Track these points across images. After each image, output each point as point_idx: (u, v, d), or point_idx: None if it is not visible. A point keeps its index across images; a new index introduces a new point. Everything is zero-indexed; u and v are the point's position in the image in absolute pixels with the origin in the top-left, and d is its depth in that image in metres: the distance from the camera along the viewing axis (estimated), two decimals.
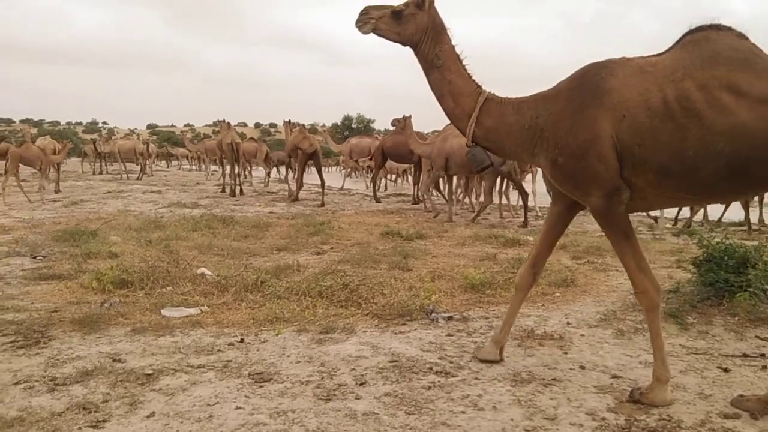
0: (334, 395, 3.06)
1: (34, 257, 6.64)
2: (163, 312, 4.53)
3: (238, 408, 2.90)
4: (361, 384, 3.20)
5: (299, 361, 3.55)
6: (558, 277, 5.71)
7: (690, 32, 2.87)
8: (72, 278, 5.58)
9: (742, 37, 2.81)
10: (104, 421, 2.75)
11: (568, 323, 4.36)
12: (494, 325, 4.32)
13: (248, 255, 7.11)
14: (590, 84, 2.93)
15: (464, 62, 3.38)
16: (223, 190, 16.67)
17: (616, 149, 2.84)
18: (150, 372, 3.34)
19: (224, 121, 15.71)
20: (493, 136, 3.29)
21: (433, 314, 4.51)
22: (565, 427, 2.72)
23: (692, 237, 5.22)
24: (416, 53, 3.39)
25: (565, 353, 3.72)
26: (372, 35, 3.35)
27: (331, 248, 7.82)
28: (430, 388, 3.15)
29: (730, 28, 2.83)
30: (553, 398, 3.04)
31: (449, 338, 4.01)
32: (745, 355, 3.65)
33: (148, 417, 2.80)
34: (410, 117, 12.78)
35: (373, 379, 3.28)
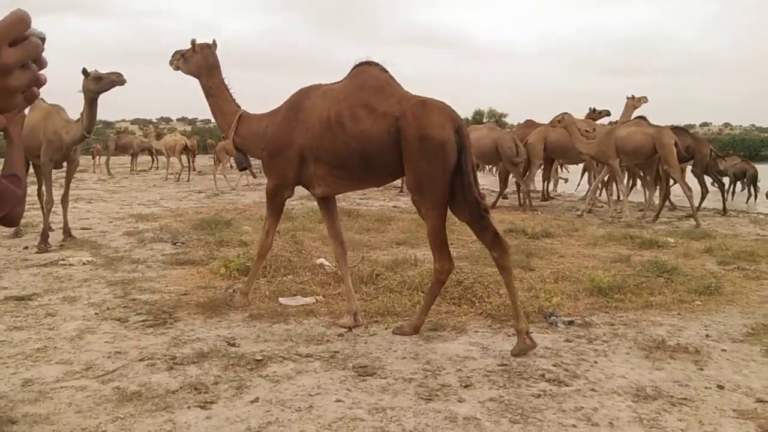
0: (436, 395, 2.93)
1: (174, 243, 7.17)
2: (281, 300, 4.67)
3: (338, 401, 2.88)
4: (465, 386, 3.05)
5: (405, 357, 3.47)
6: (699, 284, 5.13)
7: (355, 66, 3.95)
8: (204, 264, 5.94)
9: (384, 70, 3.92)
10: (212, 402, 2.85)
11: (707, 335, 3.89)
12: (620, 332, 3.96)
13: (368, 247, 7.17)
14: (295, 104, 4.06)
15: (230, 90, 4.54)
16: None
17: (301, 154, 3.94)
18: (260, 358, 3.43)
19: None
20: (245, 142, 4.41)
21: (552, 317, 4.23)
22: None
23: None
24: (200, 84, 4.55)
25: (701, 369, 3.30)
26: (179, 71, 4.60)
27: (451, 244, 7.63)
28: (539, 396, 2.93)
29: (377, 64, 3.94)
30: (681, 419, 2.69)
31: (567, 344, 3.73)
32: None
33: (252, 402, 2.86)
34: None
35: (479, 381, 3.11)
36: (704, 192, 11.30)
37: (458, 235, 8.33)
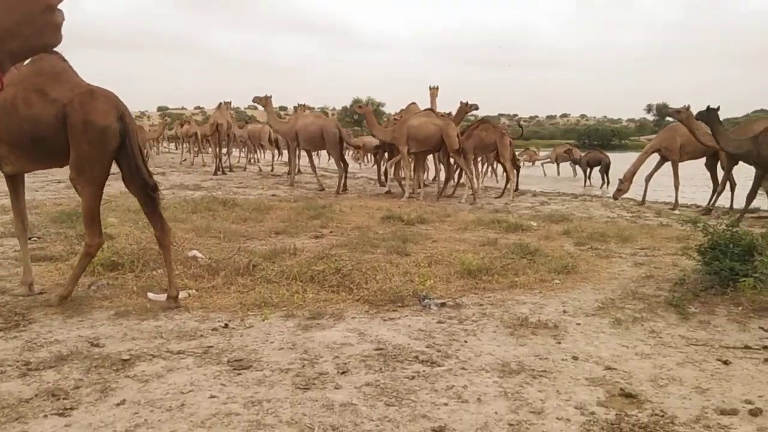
0: (314, 384, 2.94)
1: (29, 238, 6.55)
2: (150, 295, 4.44)
3: (212, 396, 2.79)
4: (342, 373, 3.09)
5: (282, 348, 3.44)
6: (559, 264, 5.56)
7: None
8: (63, 260, 5.50)
9: (63, 60, 4.15)
10: (72, 408, 2.65)
11: (564, 311, 4.22)
12: (488, 312, 4.19)
13: (246, 238, 7.01)
14: None
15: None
16: (215, 173, 16.66)
17: None
18: (127, 357, 3.24)
19: (223, 102, 15.61)
20: None
21: (426, 300, 4.38)
22: (551, 421, 2.59)
23: (697, 224, 5.03)
24: None
25: (559, 343, 3.58)
26: None
27: (331, 232, 7.70)
28: (413, 378, 3.03)
29: (57, 53, 4.09)
30: (541, 390, 2.90)
31: (440, 325, 3.88)
32: (747, 347, 3.49)
33: (117, 405, 2.70)
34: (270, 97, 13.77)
35: (356, 367, 3.16)
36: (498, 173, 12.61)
37: (338, 223, 8.39)
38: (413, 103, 13.45)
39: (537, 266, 5.52)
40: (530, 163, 26.16)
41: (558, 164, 22.69)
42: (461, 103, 12.67)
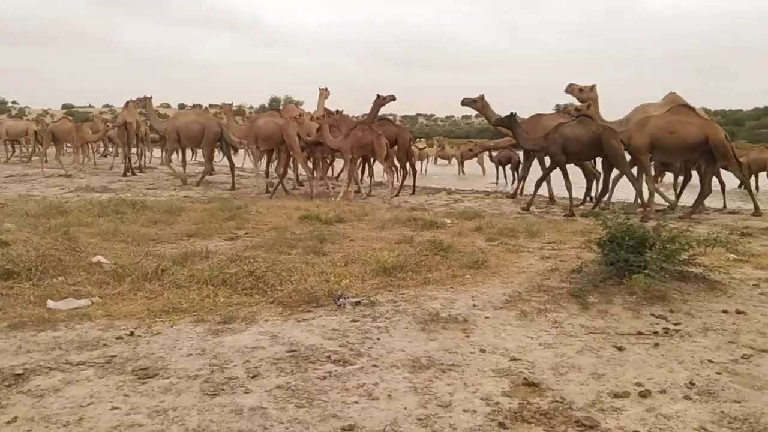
0: (222, 390, 2.88)
1: None
2: (49, 304, 4.19)
3: (113, 408, 2.68)
4: (253, 377, 3.04)
5: (190, 354, 3.35)
6: (470, 259, 5.72)
7: None
8: None
9: None
10: None
11: (474, 305, 4.35)
12: (401, 308, 4.25)
13: (155, 241, 6.75)
14: None
15: None
16: (125, 174, 15.97)
17: None
18: (21, 372, 3.05)
19: (131, 100, 15.01)
20: None
21: (341, 300, 4.39)
22: (458, 413, 2.67)
23: (597, 218, 5.32)
24: None
25: (468, 336, 3.69)
26: None
27: (246, 233, 7.56)
28: (325, 378, 3.03)
29: None
30: (450, 384, 2.99)
31: (353, 324, 3.91)
32: (639, 333, 3.74)
33: (8, 423, 2.54)
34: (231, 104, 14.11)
35: (267, 371, 3.13)
36: (404, 174, 13.06)
37: (254, 224, 8.24)
38: (290, 103, 14.17)
39: (450, 262, 5.66)
40: (446, 161, 26.69)
41: (462, 162, 23.16)
42: (377, 96, 12.80)
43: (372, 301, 4.41)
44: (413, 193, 12.83)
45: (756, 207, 9.69)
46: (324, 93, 14.37)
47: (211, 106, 17.15)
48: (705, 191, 9.57)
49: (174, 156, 14.66)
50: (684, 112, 9.42)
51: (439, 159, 27.47)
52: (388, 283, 4.95)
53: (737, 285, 4.77)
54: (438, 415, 2.65)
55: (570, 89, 10.99)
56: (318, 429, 2.52)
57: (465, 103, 11.99)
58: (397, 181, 12.69)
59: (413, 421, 2.59)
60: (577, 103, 10.92)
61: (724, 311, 4.13)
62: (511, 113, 10.59)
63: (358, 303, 4.35)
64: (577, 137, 9.52)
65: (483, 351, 3.45)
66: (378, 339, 3.62)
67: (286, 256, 5.93)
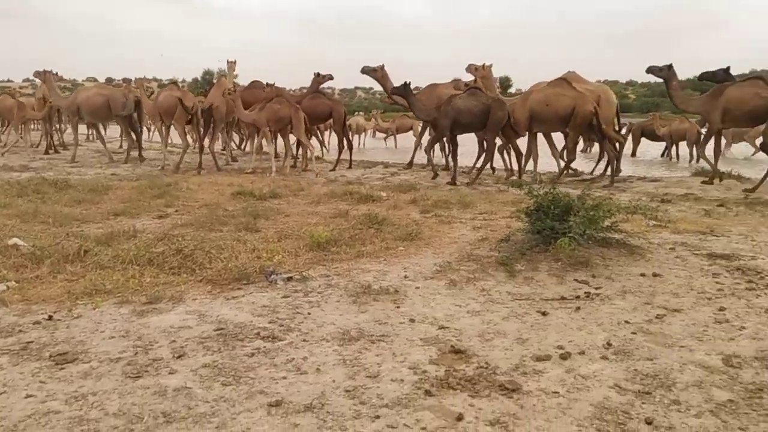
0: (146, 372, 2.81)
1: None
2: None
3: (28, 396, 2.57)
4: (178, 357, 2.98)
5: (113, 337, 3.24)
6: (404, 232, 5.76)
7: None
8: None
9: None
10: None
11: (405, 276, 4.39)
12: (334, 282, 4.25)
13: (80, 222, 6.47)
14: None
15: None
16: (47, 152, 15.22)
17: None
18: None
19: (44, 71, 14.14)
20: None
21: (273, 276, 4.34)
22: (385, 383, 2.70)
23: (521, 189, 5.44)
24: None
25: (398, 307, 3.73)
26: None
27: (176, 211, 7.35)
28: (253, 355, 3.01)
29: None
30: (378, 354, 3.02)
31: (284, 300, 3.88)
32: (562, 298, 3.87)
33: None
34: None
35: (194, 350, 3.07)
36: (341, 148, 12.76)
37: (184, 201, 8.02)
38: (223, 76, 14.11)
39: (384, 235, 5.69)
40: (384, 134, 26.62)
41: (395, 136, 23.24)
42: (314, 74, 12.64)
43: (304, 276, 4.39)
44: (350, 167, 12.78)
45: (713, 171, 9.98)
46: (232, 66, 14.22)
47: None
48: (610, 158, 10.24)
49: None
50: (561, 85, 9.95)
51: (377, 132, 27.40)
52: (321, 258, 4.93)
53: (655, 249, 5.00)
54: (366, 386, 2.68)
55: (468, 68, 11.50)
56: (244, 406, 2.50)
57: (365, 71, 12.09)
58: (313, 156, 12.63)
59: (341, 393, 2.61)
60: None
61: (642, 274, 4.33)
62: (405, 82, 10.71)
63: (290, 279, 4.32)
64: (468, 109, 9.84)
65: (413, 321, 3.49)
66: (309, 314, 3.61)
67: (217, 233, 5.80)
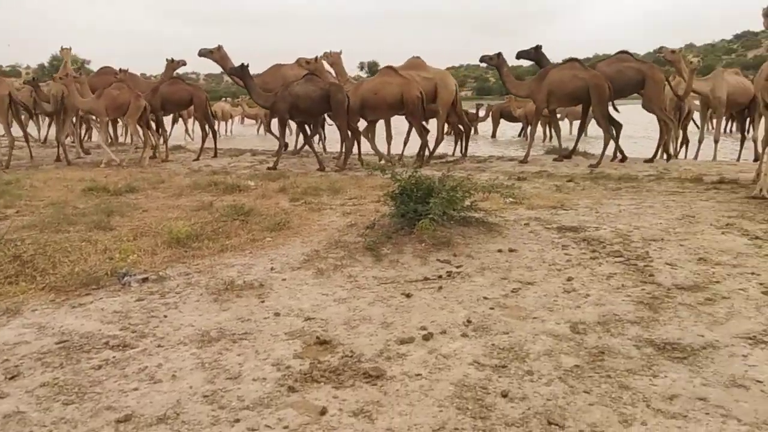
0: None
1: None
2: None
3: None
4: (11, 378, 2.67)
5: None
6: (272, 222, 5.62)
7: None
8: None
9: None
10: None
11: (272, 269, 4.27)
12: (194, 281, 4.03)
13: None
14: None
15: None
16: None
17: None
18: None
19: None
20: None
21: (126, 278, 4.04)
22: (247, 384, 2.59)
23: (384, 173, 5.50)
24: None
25: (263, 301, 3.61)
26: None
27: (17, 212, 6.63)
28: (101, 367, 2.76)
29: None
30: (240, 354, 2.89)
31: (138, 303, 3.62)
32: (426, 279, 3.96)
33: None
34: None
35: (31, 368, 2.76)
36: (204, 136, 12.30)
37: (27, 200, 7.28)
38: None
39: (250, 226, 5.51)
40: (253, 121, 25.93)
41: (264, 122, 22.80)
42: (167, 60, 11.99)
43: (161, 276, 4.13)
44: (215, 155, 12.29)
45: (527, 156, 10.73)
46: (66, 52, 13.22)
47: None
48: (438, 138, 10.92)
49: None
50: (389, 74, 10.41)
51: (245, 119, 26.65)
52: (181, 255, 4.67)
53: (511, 225, 5.27)
54: (226, 388, 2.56)
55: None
56: (88, 426, 2.28)
57: (202, 53, 11.74)
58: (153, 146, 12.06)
59: (198, 400, 2.46)
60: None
61: (500, 251, 4.53)
62: (242, 64, 10.45)
63: (145, 280, 4.04)
64: (307, 94, 9.95)
65: (278, 315, 3.40)
66: (165, 317, 3.39)
67: (64, 234, 5.31)
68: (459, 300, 3.56)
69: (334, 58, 12.02)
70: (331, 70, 12.10)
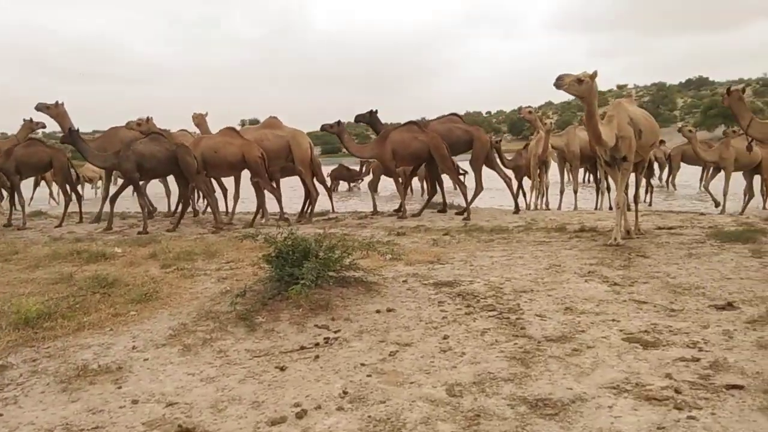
0: None
1: None
2: None
3: None
4: None
5: None
6: (139, 292, 5.22)
7: None
8: None
9: None
10: None
11: (134, 347, 3.92)
12: (41, 367, 3.60)
13: None
14: None
15: None
16: None
17: None
18: None
19: None
20: None
21: None
22: None
23: (255, 238, 5.34)
24: None
25: (120, 387, 3.27)
26: None
27: None
28: None
29: None
30: None
31: None
32: (302, 348, 3.80)
33: None
34: None
35: None
36: (67, 200, 11.81)
37: None
38: None
39: (113, 299, 5.08)
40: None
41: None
42: (24, 120, 11.20)
43: (3, 365, 3.65)
44: (81, 221, 11.44)
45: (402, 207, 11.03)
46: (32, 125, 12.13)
47: None
48: (312, 197, 11.04)
49: None
50: (230, 134, 10.73)
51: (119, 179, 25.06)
52: (29, 338, 4.17)
53: (390, 283, 5.26)
54: None
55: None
56: None
57: (39, 108, 11.31)
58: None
59: None
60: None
61: (378, 311, 4.48)
62: (71, 128, 10.29)
63: None
64: (152, 153, 9.88)
65: (136, 402, 3.08)
66: (1, 415, 2.97)
67: None
68: (336, 369, 3.43)
69: (199, 120, 12.19)
70: (198, 131, 12.01)
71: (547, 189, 12.76)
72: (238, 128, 11.67)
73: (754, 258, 5.98)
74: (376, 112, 11.40)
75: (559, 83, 6.37)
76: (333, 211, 12.21)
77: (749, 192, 11.87)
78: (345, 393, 3.09)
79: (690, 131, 11.72)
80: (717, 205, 11.65)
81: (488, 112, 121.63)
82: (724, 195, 11.42)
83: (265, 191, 10.69)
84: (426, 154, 10.34)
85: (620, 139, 6.87)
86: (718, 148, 11.44)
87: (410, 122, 10.87)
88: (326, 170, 15.57)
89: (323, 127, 10.91)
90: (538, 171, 12.29)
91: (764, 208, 12.57)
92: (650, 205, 13.21)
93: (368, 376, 3.32)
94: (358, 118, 11.51)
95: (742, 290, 4.76)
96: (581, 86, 6.39)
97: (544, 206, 12.57)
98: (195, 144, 10.43)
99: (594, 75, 6.40)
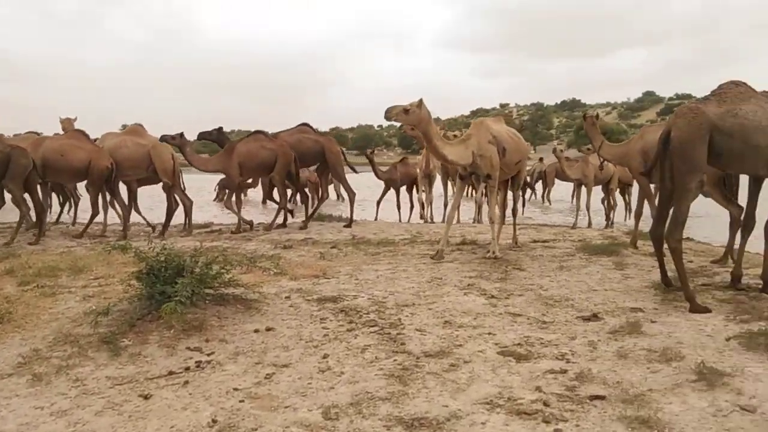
0: None
1: None
2: None
3: None
4: None
5: None
6: None
7: None
8: None
9: None
10: None
11: None
12: None
13: None
14: None
15: None
16: None
17: None
18: None
19: None
20: None
21: None
22: None
23: (126, 251, 4.98)
24: None
25: None
26: None
27: None
28: None
29: None
30: None
31: None
32: (170, 373, 3.55)
33: None
34: None
35: None
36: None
37: None
38: None
39: None
40: None
41: None
42: None
43: None
44: None
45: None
46: None
47: None
48: (186, 208, 10.50)
49: None
50: (79, 138, 10.02)
51: None
52: None
53: (272, 300, 5.08)
54: None
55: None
56: None
57: None
58: None
59: None
60: None
61: (256, 330, 4.30)
62: None
63: None
64: None
65: None
66: None
67: None
68: (206, 396, 3.23)
69: (66, 124, 11.51)
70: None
71: (430, 203, 13.10)
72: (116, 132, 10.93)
73: (617, 270, 6.43)
74: (222, 128, 11.28)
75: (388, 115, 6.69)
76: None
77: (609, 202, 13.13)
78: (214, 421, 2.91)
79: (562, 151, 12.75)
80: (574, 226, 12.19)
81: (380, 126, 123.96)
82: (587, 209, 12.34)
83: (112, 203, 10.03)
84: (274, 163, 10.25)
85: (479, 157, 7.15)
86: (580, 165, 12.35)
87: (257, 131, 10.76)
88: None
89: (163, 139, 10.27)
90: (423, 187, 12.71)
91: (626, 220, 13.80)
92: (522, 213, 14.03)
93: (241, 401, 3.15)
94: (203, 136, 11.19)
95: (606, 301, 5.07)
96: (409, 116, 6.67)
97: (429, 219, 12.88)
98: (36, 145, 9.44)
99: (419, 103, 6.66)
